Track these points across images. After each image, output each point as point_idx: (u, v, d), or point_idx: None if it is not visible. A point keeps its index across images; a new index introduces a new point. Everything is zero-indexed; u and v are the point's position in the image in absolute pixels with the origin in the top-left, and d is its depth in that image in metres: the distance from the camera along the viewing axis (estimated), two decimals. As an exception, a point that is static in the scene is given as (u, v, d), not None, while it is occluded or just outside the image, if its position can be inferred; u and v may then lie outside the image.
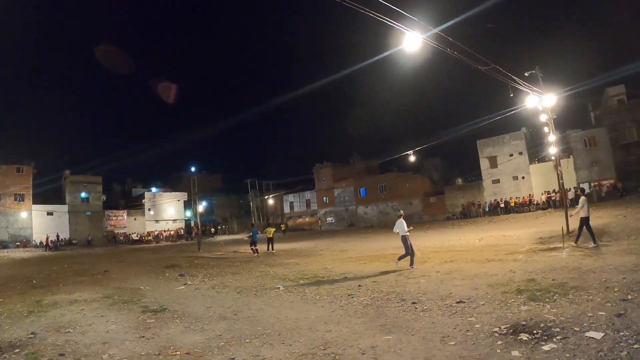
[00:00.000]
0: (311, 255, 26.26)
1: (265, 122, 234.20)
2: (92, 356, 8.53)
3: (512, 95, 23.91)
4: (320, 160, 78.95)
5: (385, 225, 63.05)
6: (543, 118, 27.00)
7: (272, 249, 30.13)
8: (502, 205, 55.92)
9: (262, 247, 30.25)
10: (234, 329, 9.69)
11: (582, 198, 17.91)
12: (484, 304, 9.71)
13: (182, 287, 16.53)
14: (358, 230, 57.37)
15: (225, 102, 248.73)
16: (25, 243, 60.89)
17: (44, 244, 57.18)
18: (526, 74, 26.56)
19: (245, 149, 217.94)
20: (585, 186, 50.78)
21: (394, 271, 16.03)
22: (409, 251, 16.87)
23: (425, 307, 10.10)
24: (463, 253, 20.08)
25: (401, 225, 17.25)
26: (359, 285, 13.72)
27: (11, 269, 28.44)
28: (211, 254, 32.07)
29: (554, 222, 28.41)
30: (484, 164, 60.74)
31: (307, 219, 79.90)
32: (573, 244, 18.02)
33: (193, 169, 75.13)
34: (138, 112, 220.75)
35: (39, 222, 64.66)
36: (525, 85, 23.72)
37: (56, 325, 10.95)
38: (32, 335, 10.02)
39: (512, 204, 54.95)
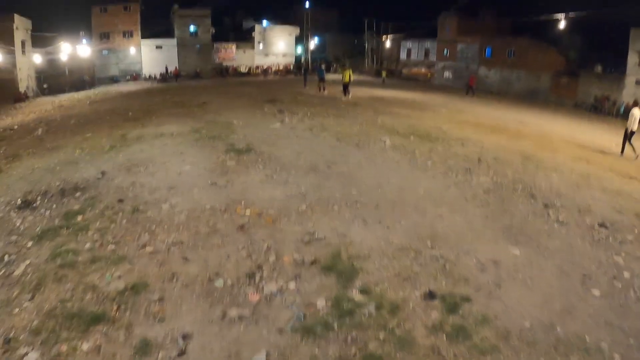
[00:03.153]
0: (425, 109, 23.54)
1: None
2: (152, 204, 7.41)
3: None
4: (447, 8, 73.21)
5: (506, 94, 58.70)
6: None
7: (348, 94, 26.20)
8: None
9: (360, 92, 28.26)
10: (322, 187, 8.03)
11: None
12: (631, 241, 7.13)
13: (278, 124, 14.97)
14: (477, 93, 53.55)
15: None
16: (136, 76, 61.94)
17: (172, 74, 57.61)
18: None
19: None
20: None
21: (520, 152, 13.28)
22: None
23: (560, 217, 7.87)
24: (599, 156, 15.19)
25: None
26: (478, 159, 11.49)
27: (114, 103, 27.96)
28: (316, 92, 30.09)
29: None
30: (632, 58, 53.18)
31: (422, 69, 75.89)
32: None
33: (307, 2, 71.87)
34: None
35: (148, 56, 65.18)
36: None
37: (130, 163, 10.07)
38: (100, 176, 9.17)
39: None
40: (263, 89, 34.23)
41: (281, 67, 73.12)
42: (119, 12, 63.68)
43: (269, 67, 72.66)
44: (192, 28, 69.09)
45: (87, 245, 6.11)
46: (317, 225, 6.29)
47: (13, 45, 37.32)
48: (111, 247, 6.09)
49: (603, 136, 20.42)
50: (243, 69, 70.68)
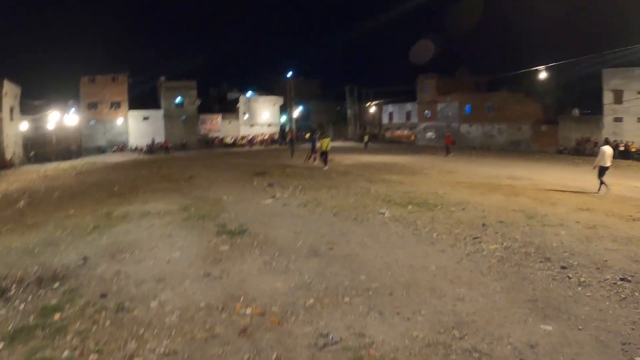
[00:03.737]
0: (415, 173, 23.23)
1: (367, 27, 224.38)
2: (139, 300, 6.60)
3: None
4: (425, 71, 74.39)
5: (488, 148, 59.00)
6: None
7: (325, 164, 25.50)
8: (622, 148, 49.75)
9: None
10: (328, 274, 7.33)
11: None
12: (657, 291, 6.65)
13: (269, 200, 14.37)
14: (460, 150, 53.58)
15: (327, 4, 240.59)
16: (122, 147, 62.18)
17: (162, 146, 57.38)
18: None
19: (345, 54, 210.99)
20: None
21: (521, 210, 12.96)
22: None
23: (581, 279, 7.35)
24: (595, 201, 15.36)
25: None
26: (483, 225, 10.93)
27: (100, 174, 27.60)
28: (304, 162, 29.72)
29: None
30: (607, 97, 54.04)
31: (405, 132, 76.42)
32: None
33: (290, 73, 72.60)
34: (234, 16, 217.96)
35: (135, 127, 66.20)
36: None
37: (114, 248, 9.37)
38: (82, 262, 8.44)
39: (633, 150, 49.02)
40: (250, 160, 33.88)
41: (266, 137, 73.40)
42: (107, 82, 64.93)
43: (254, 137, 72.85)
44: (178, 99, 69.79)
45: (66, 354, 5.24)
46: (329, 324, 5.54)
47: (1, 111, 37.23)
48: (93, 357, 5.22)
49: (590, 177, 20.48)
50: (229, 140, 70.92)
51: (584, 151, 52.54)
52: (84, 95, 63.81)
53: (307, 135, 73.18)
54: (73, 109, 60.43)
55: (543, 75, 30.53)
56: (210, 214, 12.26)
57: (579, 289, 6.94)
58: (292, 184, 18.42)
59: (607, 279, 7.32)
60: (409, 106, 76.77)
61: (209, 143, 69.02)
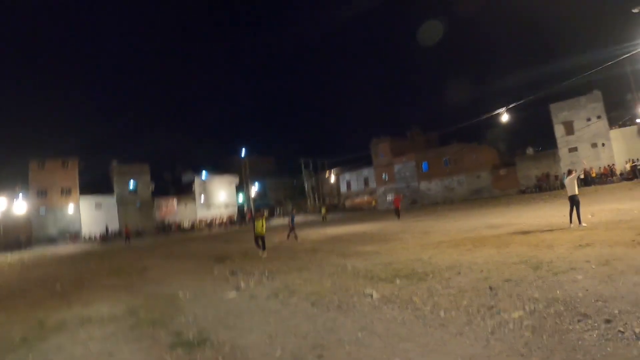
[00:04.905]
0: (389, 240, 21.43)
1: (317, 99, 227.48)
2: None
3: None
4: (377, 135, 74.26)
5: (451, 201, 58.42)
6: None
7: (263, 251, 21.19)
8: (582, 176, 50.05)
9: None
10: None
11: None
12: None
13: (233, 293, 12.19)
14: (424, 208, 52.46)
15: (274, 81, 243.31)
16: (75, 237, 58.91)
17: (124, 233, 52.85)
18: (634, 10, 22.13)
19: (297, 129, 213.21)
20: None
21: (522, 262, 11.58)
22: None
23: (636, 330, 6.03)
24: (588, 233, 15.11)
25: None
26: (490, 288, 9.25)
27: (46, 268, 25.52)
28: (267, 242, 27.85)
29: None
30: (558, 130, 55.22)
31: (365, 198, 75.51)
32: None
33: (244, 151, 71.31)
34: (185, 98, 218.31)
35: (88, 215, 64.13)
36: None
37: None
38: None
39: (593, 175, 49.32)
40: (209, 244, 32.06)
41: (225, 219, 71.31)
42: (57, 167, 63.03)
43: (212, 220, 70.80)
44: (131, 184, 68.06)
45: None
46: None
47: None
48: None
49: (565, 209, 20.40)
50: (186, 224, 68.70)
51: (546, 186, 53.22)
52: (33, 181, 61.48)
53: (266, 214, 71.33)
54: (21, 196, 58.34)
55: (499, 119, 29.64)
56: (162, 318, 10.09)
57: (640, 343, 5.37)
58: (258, 268, 16.35)
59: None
60: (365, 172, 76.52)
61: (166, 229, 66.68)
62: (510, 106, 31.64)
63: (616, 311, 6.87)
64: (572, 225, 17.12)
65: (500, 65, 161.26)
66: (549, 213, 24.74)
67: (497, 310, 7.76)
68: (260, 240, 21.40)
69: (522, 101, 26.98)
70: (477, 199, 56.29)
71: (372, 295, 9.83)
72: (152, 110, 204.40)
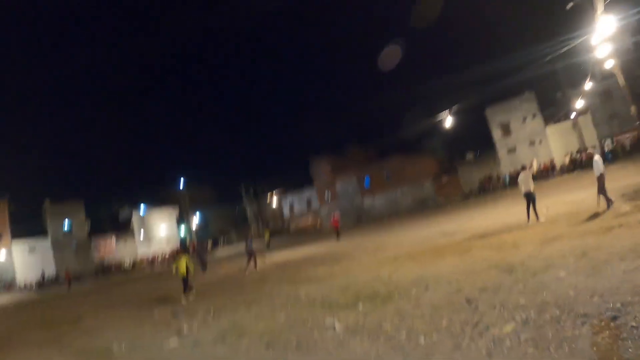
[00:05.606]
0: (341, 260, 20.14)
1: (253, 124, 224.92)
2: None
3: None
4: (317, 154, 73.52)
5: (397, 214, 57.92)
6: (609, 63, 22.41)
7: (189, 293, 17.99)
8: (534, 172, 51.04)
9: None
10: None
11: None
12: None
13: (175, 339, 10.56)
14: (369, 224, 51.69)
15: (207, 108, 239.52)
16: (9, 286, 54.96)
17: (65, 279, 48.85)
18: (568, 7, 22.27)
19: (236, 155, 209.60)
20: (608, 141, 50.24)
21: (491, 267, 10.73)
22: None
23: None
24: (551, 226, 15.09)
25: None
26: (467, 301, 8.26)
27: None
28: (212, 275, 26.18)
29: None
30: (496, 133, 56.38)
31: (309, 219, 74.29)
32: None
33: (182, 183, 69.04)
34: (117, 129, 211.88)
35: (22, 261, 59.66)
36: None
37: None
38: None
39: (535, 172, 49.88)
40: (151, 284, 30.03)
41: (167, 255, 68.39)
42: None
43: (154, 257, 67.86)
44: (66, 224, 64.11)
45: None
46: None
47: None
48: None
49: (516, 208, 21.84)
50: (127, 263, 65.15)
51: (490, 188, 53.76)
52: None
53: (210, 244, 69.17)
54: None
55: (437, 128, 29.27)
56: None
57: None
58: (202, 307, 14.71)
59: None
60: (308, 193, 75.53)
61: (105, 270, 63.26)
62: (444, 112, 31.44)
63: (618, 305, 6.23)
64: (530, 221, 16.94)
65: (434, 73, 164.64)
66: (500, 214, 24.42)
67: (485, 326, 6.74)
68: (184, 282, 18.02)
69: (454, 107, 26.55)
70: (422, 208, 56.16)
71: (334, 327, 8.55)
72: (84, 144, 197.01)
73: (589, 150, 45.86)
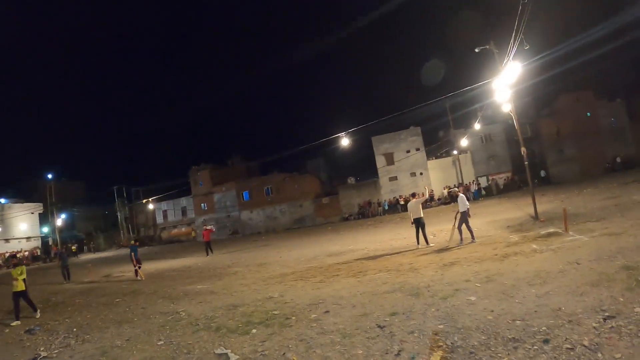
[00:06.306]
0: (221, 275, 18.79)
1: (134, 123, 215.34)
2: None
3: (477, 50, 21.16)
4: (197, 163, 71.02)
5: (274, 230, 57.14)
6: (506, 107, 23.28)
7: (16, 322, 13.63)
8: (402, 202, 52.40)
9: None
10: None
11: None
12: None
13: None
14: (247, 238, 50.28)
15: (89, 99, 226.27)
16: None
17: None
18: (476, 50, 22.87)
19: (112, 152, 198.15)
20: (483, 180, 54.88)
21: (394, 290, 10.18)
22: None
23: (584, 343, 5.54)
24: (444, 252, 15.35)
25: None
26: (379, 327, 7.58)
27: None
28: (75, 284, 23.48)
29: (480, 214, 27.93)
30: (380, 161, 57.44)
31: (183, 229, 71.54)
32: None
33: (50, 175, 63.90)
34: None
35: None
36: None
37: None
38: None
39: (426, 199, 51.40)
40: (3, 289, 26.46)
41: (26, 254, 62.57)
42: None
43: (11, 255, 61.84)
44: None
45: None
46: None
47: None
48: None
49: (400, 232, 23.49)
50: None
51: (368, 212, 54.46)
52: None
53: (74, 248, 64.27)
54: None
55: (345, 141, 28.57)
56: None
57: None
58: (64, 323, 12.66)
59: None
60: (184, 201, 72.85)
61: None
62: (321, 140, 31.23)
63: (544, 328, 6.23)
64: (419, 246, 17.34)
65: (323, 99, 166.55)
66: (385, 237, 24.38)
67: (410, 356, 6.10)
68: (18, 299, 14.02)
69: (342, 133, 26.26)
70: (300, 227, 56.01)
71: (228, 357, 7.25)
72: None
73: (454, 189, 48.60)
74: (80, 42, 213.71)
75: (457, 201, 17.25)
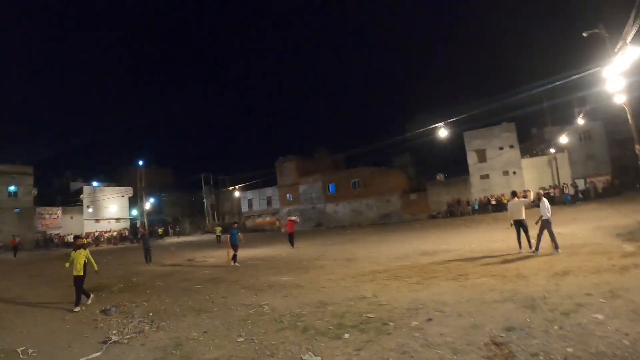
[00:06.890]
0: (307, 267, 17.74)
1: (223, 112, 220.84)
2: None
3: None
4: (283, 154, 70.98)
5: (359, 225, 55.98)
6: (619, 98, 21.10)
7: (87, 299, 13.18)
8: (494, 202, 49.78)
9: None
10: None
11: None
12: None
13: (98, 353, 7.98)
14: (331, 231, 49.39)
15: (180, 87, 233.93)
16: None
17: (10, 245, 45.00)
18: (584, 34, 20.81)
19: (200, 141, 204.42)
20: (580, 182, 50.65)
21: (505, 299, 8.90)
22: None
23: None
24: (554, 259, 13.54)
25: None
26: (494, 344, 6.37)
27: None
28: (157, 266, 23.43)
29: (582, 219, 25.87)
30: (471, 157, 54.89)
31: (267, 219, 71.67)
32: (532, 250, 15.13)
33: (141, 161, 65.52)
34: (79, 100, 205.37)
35: None
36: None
37: None
38: None
39: (505, 201, 48.59)
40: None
41: (115, 234, 64.79)
42: None
43: (100, 235, 64.33)
44: (11, 187, 59.59)
45: None
46: None
47: None
48: None
49: (495, 234, 21.74)
50: (70, 238, 60.66)
51: (456, 212, 52.20)
52: None
53: (160, 231, 65.76)
54: None
55: (443, 132, 27.09)
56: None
57: None
58: (141, 306, 12.14)
59: None
60: (269, 191, 72.97)
61: (47, 242, 59.32)
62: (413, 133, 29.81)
63: None
64: (522, 250, 15.69)
65: (416, 92, 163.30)
66: (480, 238, 22.68)
67: None
68: (78, 283, 12.94)
69: (433, 126, 24.95)
70: (386, 223, 54.41)
71: (312, 362, 6.20)
72: (42, 111, 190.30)
73: (538, 191, 45.70)
74: (180, 34, 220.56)
75: (539, 205, 15.66)
